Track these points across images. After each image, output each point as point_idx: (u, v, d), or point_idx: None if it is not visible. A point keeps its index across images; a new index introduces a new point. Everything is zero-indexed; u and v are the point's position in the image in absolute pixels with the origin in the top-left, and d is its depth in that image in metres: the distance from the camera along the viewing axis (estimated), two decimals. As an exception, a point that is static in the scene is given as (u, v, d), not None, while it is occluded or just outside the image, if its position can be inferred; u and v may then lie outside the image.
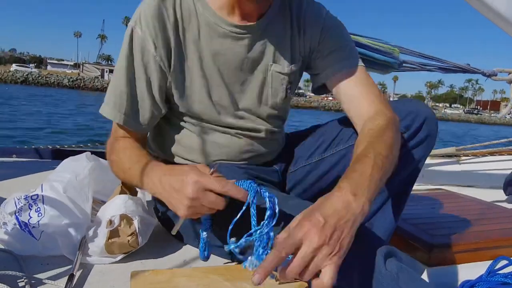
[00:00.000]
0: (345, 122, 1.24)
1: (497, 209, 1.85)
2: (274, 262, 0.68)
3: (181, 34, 1.05)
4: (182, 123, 1.15)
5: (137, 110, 1.07)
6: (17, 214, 0.96)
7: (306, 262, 0.69)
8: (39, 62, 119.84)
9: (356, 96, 1.11)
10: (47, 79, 53.99)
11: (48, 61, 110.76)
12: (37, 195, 0.98)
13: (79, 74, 67.25)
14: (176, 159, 1.17)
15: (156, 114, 1.09)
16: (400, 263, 0.85)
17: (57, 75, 57.77)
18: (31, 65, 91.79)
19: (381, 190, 1.11)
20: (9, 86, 44.31)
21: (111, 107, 1.06)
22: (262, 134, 1.18)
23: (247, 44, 1.09)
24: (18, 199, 0.98)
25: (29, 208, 0.96)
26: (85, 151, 1.30)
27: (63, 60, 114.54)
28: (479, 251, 1.43)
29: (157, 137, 1.21)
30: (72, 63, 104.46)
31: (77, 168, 1.08)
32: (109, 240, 1.00)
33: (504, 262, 1.40)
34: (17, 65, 73.84)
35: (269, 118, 1.19)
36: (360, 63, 1.16)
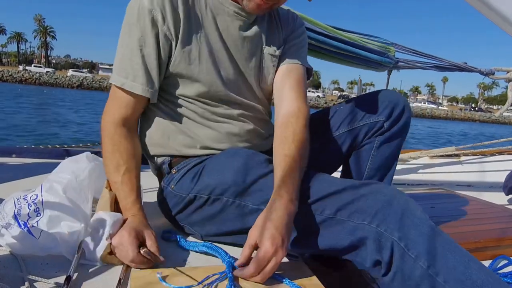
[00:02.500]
0: (334, 112, 1.33)
1: (496, 208, 1.82)
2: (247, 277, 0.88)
3: (189, 7, 1.10)
4: (184, 110, 1.16)
5: (150, 77, 1.09)
6: (16, 214, 0.93)
7: (271, 273, 0.88)
8: (92, 67, 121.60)
9: (287, 88, 1.20)
10: (100, 83, 54.84)
11: (100, 66, 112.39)
12: (37, 195, 0.95)
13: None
14: (182, 150, 1.17)
15: (159, 79, 1.12)
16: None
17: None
18: (84, 70, 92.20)
19: (372, 177, 1.27)
20: (68, 91, 44.95)
21: (123, 77, 1.08)
22: (259, 114, 1.24)
23: (246, 24, 1.17)
24: (18, 199, 0.95)
25: (28, 208, 0.93)
26: (84, 150, 1.27)
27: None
28: (479, 251, 1.40)
29: (158, 138, 1.19)
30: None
31: (77, 169, 1.04)
32: (107, 254, 0.96)
33: (504, 261, 1.38)
34: (73, 71, 74.86)
35: (263, 97, 1.26)
36: (305, 64, 1.28)
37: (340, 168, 1.38)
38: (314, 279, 0.94)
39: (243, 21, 1.16)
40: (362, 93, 1.49)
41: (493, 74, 2.37)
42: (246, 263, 0.90)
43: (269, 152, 1.23)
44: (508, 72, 2.36)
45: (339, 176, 1.30)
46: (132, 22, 1.07)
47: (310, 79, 1.34)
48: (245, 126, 1.19)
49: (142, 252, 0.94)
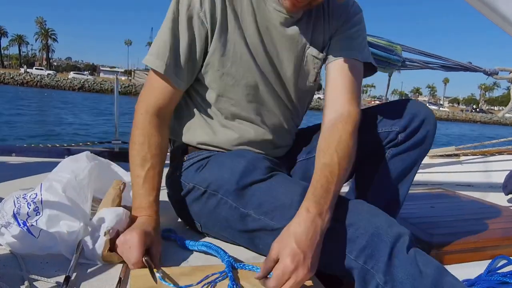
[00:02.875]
0: None
1: (496, 208, 1.81)
2: None
3: (230, 0, 1.07)
4: (209, 105, 1.14)
5: (177, 62, 1.07)
6: (15, 213, 0.93)
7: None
8: (93, 69, 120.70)
9: (339, 88, 1.10)
10: (102, 85, 54.78)
11: (101, 68, 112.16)
12: (36, 194, 0.95)
13: (130, 80, 68.31)
14: (194, 143, 1.17)
15: (192, 69, 1.10)
16: (416, 247, 0.88)
17: (110, 82, 58.25)
18: (85, 72, 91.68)
19: (382, 191, 1.17)
20: (69, 93, 44.67)
21: (154, 57, 1.06)
22: (283, 121, 1.18)
23: (289, 22, 1.10)
24: (17, 198, 0.95)
25: (28, 207, 0.93)
26: (84, 150, 1.27)
27: (115, 67, 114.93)
28: (478, 251, 1.39)
29: (180, 125, 1.20)
30: (122, 70, 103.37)
31: (76, 169, 1.03)
32: (106, 252, 0.95)
33: (503, 261, 1.37)
34: (74, 73, 74.70)
35: (296, 99, 1.19)
36: (361, 58, 1.15)
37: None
38: (314, 279, 0.94)
39: (285, 19, 1.09)
40: (362, 94, 1.44)
41: (497, 74, 2.37)
42: (265, 276, 0.86)
43: (281, 158, 1.23)
44: (511, 72, 2.36)
45: (348, 186, 1.26)
46: (172, 3, 1.07)
47: (374, 73, 1.25)
48: (263, 134, 1.16)
49: (144, 260, 0.92)
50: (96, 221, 0.97)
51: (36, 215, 0.93)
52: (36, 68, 76.37)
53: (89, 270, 0.94)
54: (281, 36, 1.10)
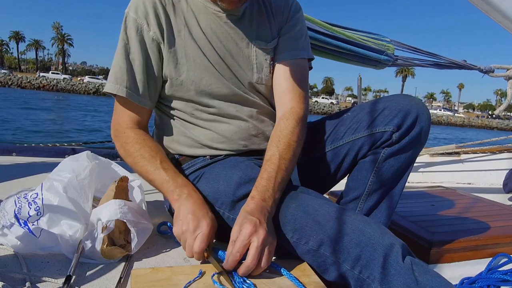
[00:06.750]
0: (340, 119, 1.21)
1: (496, 206, 1.77)
2: (233, 264, 0.86)
3: (171, 11, 1.08)
4: (181, 113, 1.14)
5: (136, 83, 1.08)
6: (16, 212, 0.91)
7: (259, 252, 0.85)
8: (107, 73, 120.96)
9: (283, 89, 1.15)
10: (116, 89, 55.06)
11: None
12: (37, 194, 0.93)
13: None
14: (185, 150, 1.15)
15: (154, 86, 1.10)
16: (413, 257, 0.88)
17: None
18: (100, 77, 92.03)
19: (376, 189, 1.13)
20: (84, 97, 44.93)
21: (113, 83, 1.07)
22: (259, 112, 1.17)
23: (231, 21, 1.12)
24: (18, 198, 0.93)
25: (29, 207, 0.91)
26: (85, 149, 1.25)
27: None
28: (479, 248, 1.36)
29: (161, 135, 1.19)
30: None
31: (77, 168, 1.01)
32: (106, 246, 0.93)
33: (504, 259, 1.34)
34: (89, 77, 75.11)
35: (257, 93, 1.18)
36: (307, 55, 1.19)
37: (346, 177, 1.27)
38: (315, 277, 0.91)
39: (227, 18, 1.11)
40: (362, 95, 1.39)
41: (493, 71, 2.30)
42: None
43: None
44: (508, 69, 2.29)
45: (343, 186, 1.22)
46: (121, 32, 1.09)
47: (311, 68, 1.26)
48: (243, 124, 1.14)
49: (207, 254, 0.92)
50: (93, 219, 0.95)
51: (37, 215, 0.91)
52: (52, 72, 76.90)
53: (90, 270, 0.92)
54: (226, 35, 1.12)
